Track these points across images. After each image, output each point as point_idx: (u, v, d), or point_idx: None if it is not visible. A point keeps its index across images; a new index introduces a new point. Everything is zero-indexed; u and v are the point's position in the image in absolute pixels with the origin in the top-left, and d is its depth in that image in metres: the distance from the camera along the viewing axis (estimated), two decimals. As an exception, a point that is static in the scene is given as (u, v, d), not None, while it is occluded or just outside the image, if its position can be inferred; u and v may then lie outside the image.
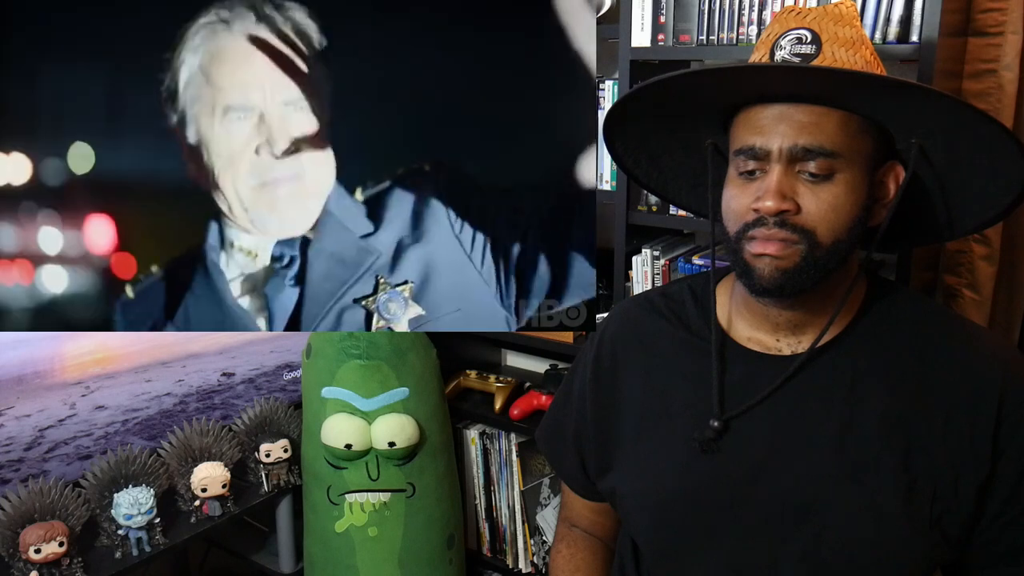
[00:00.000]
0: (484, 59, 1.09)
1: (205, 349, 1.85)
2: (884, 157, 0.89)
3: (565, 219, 1.03)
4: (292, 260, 1.05)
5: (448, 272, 1.05)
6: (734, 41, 1.46)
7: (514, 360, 2.21)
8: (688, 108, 0.95)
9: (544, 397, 1.85)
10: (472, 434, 1.96)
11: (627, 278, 1.70)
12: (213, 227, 1.06)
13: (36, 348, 1.57)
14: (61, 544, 1.36)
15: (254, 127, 1.00)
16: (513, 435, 1.91)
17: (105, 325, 1.07)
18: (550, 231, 1.04)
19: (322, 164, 1.04)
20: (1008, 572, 0.91)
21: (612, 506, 1.08)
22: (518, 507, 1.93)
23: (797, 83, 0.83)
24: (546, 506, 1.97)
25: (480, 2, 1.10)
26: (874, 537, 0.87)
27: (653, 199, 1.62)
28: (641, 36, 1.55)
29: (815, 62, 0.85)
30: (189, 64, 1.00)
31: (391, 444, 1.63)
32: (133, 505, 1.47)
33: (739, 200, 0.88)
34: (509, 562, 1.98)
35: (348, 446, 1.62)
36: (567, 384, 1.15)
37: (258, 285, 1.06)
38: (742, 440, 0.92)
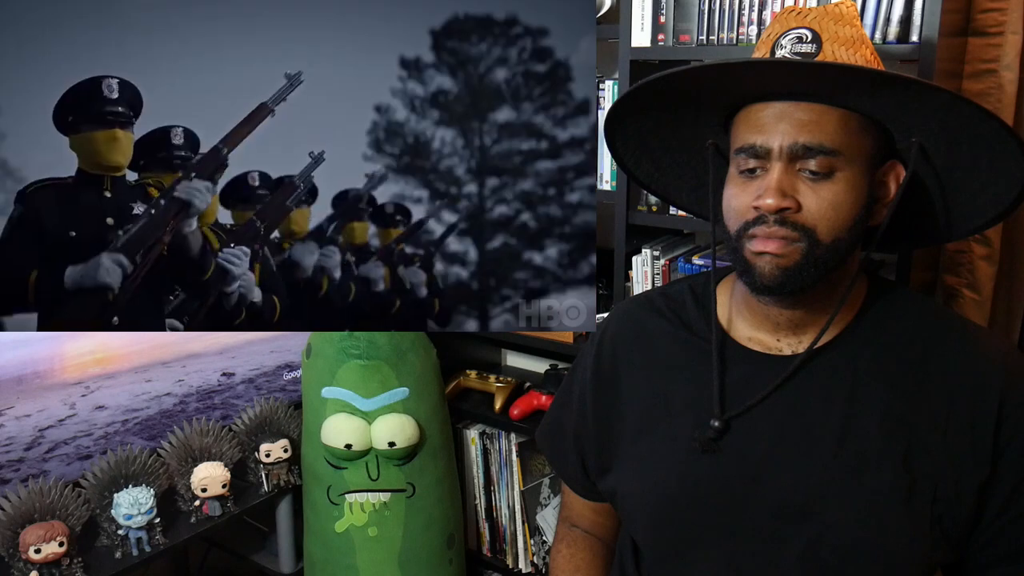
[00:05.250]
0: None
1: (205, 349, 1.85)
2: (885, 156, 0.89)
3: None
4: None
5: None
6: (734, 41, 1.46)
7: (514, 360, 2.21)
8: (689, 106, 0.95)
9: (544, 397, 1.85)
10: (472, 434, 1.95)
11: (627, 278, 1.70)
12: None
13: (36, 348, 1.57)
14: (61, 544, 1.36)
15: None
16: (513, 435, 1.91)
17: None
18: None
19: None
20: (1008, 572, 0.90)
21: (612, 506, 1.08)
22: (518, 507, 1.93)
23: (797, 80, 0.83)
24: (546, 506, 1.96)
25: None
26: (874, 537, 0.86)
27: (653, 199, 1.62)
28: (641, 36, 1.55)
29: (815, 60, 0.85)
30: None
31: (391, 444, 1.63)
32: (133, 505, 1.47)
33: (740, 198, 0.88)
34: (509, 562, 1.98)
35: (348, 446, 1.62)
36: (567, 384, 1.15)
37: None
38: (742, 440, 0.92)
